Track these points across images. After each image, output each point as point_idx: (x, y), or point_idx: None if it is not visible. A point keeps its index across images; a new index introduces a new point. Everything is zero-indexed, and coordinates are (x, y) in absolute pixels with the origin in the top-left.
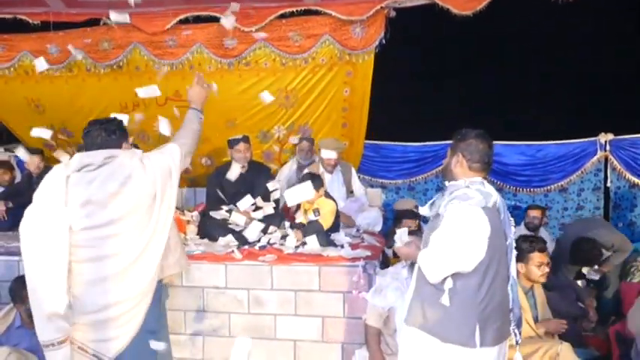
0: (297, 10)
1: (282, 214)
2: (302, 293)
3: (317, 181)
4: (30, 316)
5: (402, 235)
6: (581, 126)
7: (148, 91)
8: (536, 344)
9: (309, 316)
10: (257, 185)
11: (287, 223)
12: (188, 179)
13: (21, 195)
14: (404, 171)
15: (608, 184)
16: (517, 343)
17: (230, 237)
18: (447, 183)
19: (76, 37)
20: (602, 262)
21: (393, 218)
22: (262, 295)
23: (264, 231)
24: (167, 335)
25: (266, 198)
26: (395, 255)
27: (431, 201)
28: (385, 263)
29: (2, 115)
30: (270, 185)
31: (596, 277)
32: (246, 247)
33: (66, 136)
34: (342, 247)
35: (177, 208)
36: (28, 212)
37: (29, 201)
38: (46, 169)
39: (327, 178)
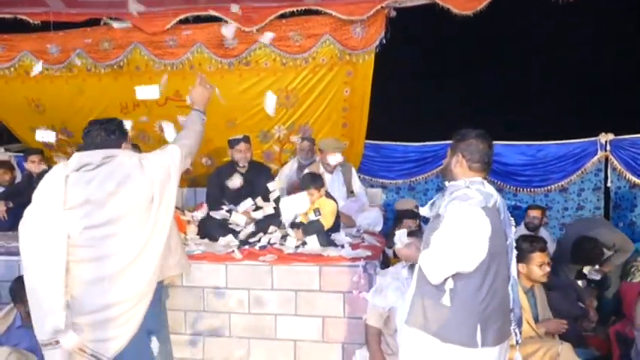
0: (297, 10)
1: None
2: (302, 293)
3: (318, 180)
4: (30, 316)
5: (401, 237)
6: (582, 126)
7: (146, 93)
8: (536, 344)
9: (309, 316)
10: (257, 185)
11: (287, 223)
12: (188, 179)
13: (21, 195)
14: (404, 171)
15: (609, 184)
16: (517, 342)
17: (230, 237)
18: (447, 183)
19: (76, 37)
20: (604, 261)
21: (394, 218)
22: (263, 295)
23: (265, 231)
24: (167, 335)
25: (266, 198)
26: (395, 255)
27: (431, 201)
28: (385, 263)
29: (2, 115)
30: (271, 185)
31: (598, 277)
32: (247, 247)
33: (66, 136)
34: (343, 247)
35: (177, 208)
36: (27, 212)
37: (29, 201)
38: (47, 168)
39: (327, 178)
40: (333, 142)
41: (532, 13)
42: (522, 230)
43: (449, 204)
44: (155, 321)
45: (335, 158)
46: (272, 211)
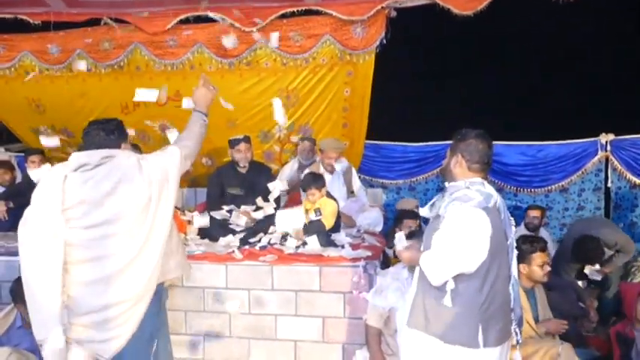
0: (297, 10)
1: None
2: (302, 293)
3: (319, 180)
4: None
5: (400, 240)
6: (582, 126)
7: (145, 95)
8: (536, 344)
9: (309, 317)
10: (258, 185)
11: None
12: (188, 179)
13: (22, 195)
14: (404, 171)
15: (609, 185)
16: (518, 342)
17: (231, 237)
18: (447, 184)
19: (76, 37)
20: (605, 261)
21: (394, 218)
22: (263, 296)
23: (265, 231)
24: (168, 335)
25: (267, 198)
26: (395, 255)
27: (431, 202)
28: (386, 263)
29: (2, 115)
30: (271, 186)
31: (599, 277)
32: (247, 247)
33: (66, 137)
34: (343, 247)
35: (177, 208)
36: (27, 212)
37: (30, 201)
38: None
39: (327, 178)
40: (333, 142)
41: (532, 13)
42: (522, 230)
43: (449, 205)
44: (155, 321)
45: (340, 165)
46: (272, 211)
